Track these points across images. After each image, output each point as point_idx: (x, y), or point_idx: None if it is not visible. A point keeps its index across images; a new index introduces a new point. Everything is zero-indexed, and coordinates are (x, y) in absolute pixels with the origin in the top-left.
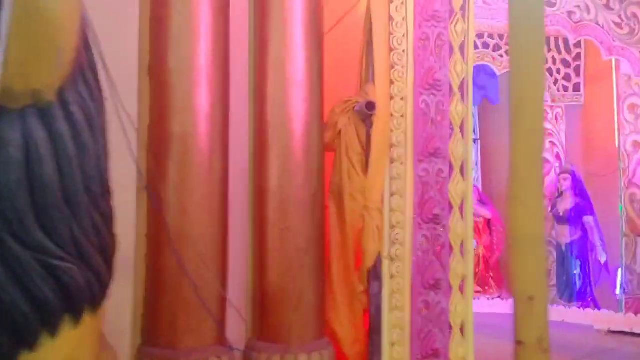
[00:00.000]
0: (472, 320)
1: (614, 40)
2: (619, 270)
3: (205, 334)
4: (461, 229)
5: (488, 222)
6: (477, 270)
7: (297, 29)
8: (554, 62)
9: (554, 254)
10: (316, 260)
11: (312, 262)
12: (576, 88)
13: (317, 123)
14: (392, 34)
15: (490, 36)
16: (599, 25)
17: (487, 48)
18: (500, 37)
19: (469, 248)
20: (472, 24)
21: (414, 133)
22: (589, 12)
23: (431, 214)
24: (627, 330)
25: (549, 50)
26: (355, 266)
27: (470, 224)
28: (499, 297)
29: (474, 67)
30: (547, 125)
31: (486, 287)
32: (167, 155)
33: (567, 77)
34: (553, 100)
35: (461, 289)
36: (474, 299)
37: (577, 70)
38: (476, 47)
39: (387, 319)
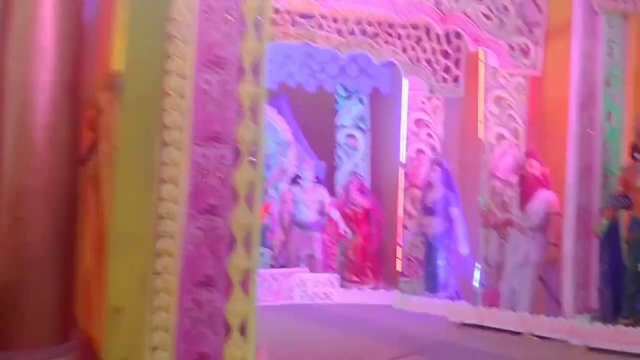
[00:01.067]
0: (254, 319)
1: (481, 31)
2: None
3: None
4: (246, 220)
5: (367, 212)
6: (354, 260)
7: None
8: (434, 53)
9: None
10: (56, 255)
11: (50, 257)
12: (456, 80)
13: (67, 98)
14: (172, 5)
15: (369, 23)
16: (467, 15)
17: (365, 35)
18: (379, 24)
19: (255, 241)
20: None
21: (193, 115)
22: (457, 1)
23: (207, 204)
24: (477, 323)
25: (429, 40)
26: None
27: (258, 214)
28: (373, 287)
29: (364, 57)
30: (424, 117)
31: (363, 277)
32: None
33: (446, 69)
34: (431, 92)
35: (243, 285)
36: (349, 288)
37: (457, 63)
38: (353, 33)
39: (149, 320)
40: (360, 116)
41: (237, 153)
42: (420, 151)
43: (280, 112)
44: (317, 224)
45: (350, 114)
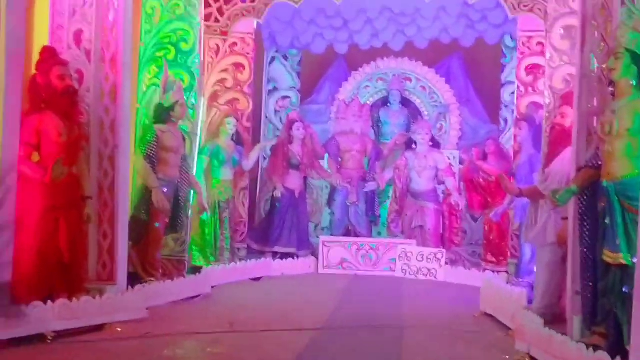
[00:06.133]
0: None
1: None
2: None
3: None
4: None
5: None
6: (490, 237)
7: None
8: None
9: None
10: None
11: None
12: None
13: None
14: None
15: None
16: None
17: None
18: None
19: None
20: None
21: None
22: None
23: None
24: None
25: None
26: None
27: None
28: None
29: None
30: (542, 62)
31: (501, 258)
32: None
33: None
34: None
35: None
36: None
37: None
38: None
39: None
40: None
41: None
42: (534, 105)
43: (447, 73)
44: (431, 193)
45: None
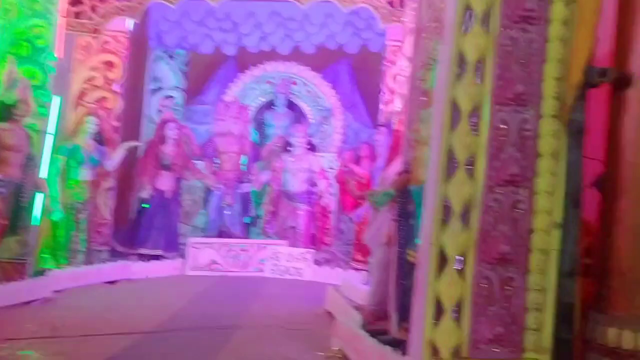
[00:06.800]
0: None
1: None
2: None
3: None
4: None
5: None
6: (360, 237)
7: None
8: None
9: None
10: None
11: None
12: None
13: None
14: None
15: None
16: None
17: None
18: None
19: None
20: None
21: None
22: None
23: None
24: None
25: None
26: None
27: None
28: None
29: None
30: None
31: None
32: None
33: None
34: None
35: None
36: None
37: None
38: None
39: None
40: None
41: None
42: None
43: (334, 78)
44: (304, 195)
45: None
